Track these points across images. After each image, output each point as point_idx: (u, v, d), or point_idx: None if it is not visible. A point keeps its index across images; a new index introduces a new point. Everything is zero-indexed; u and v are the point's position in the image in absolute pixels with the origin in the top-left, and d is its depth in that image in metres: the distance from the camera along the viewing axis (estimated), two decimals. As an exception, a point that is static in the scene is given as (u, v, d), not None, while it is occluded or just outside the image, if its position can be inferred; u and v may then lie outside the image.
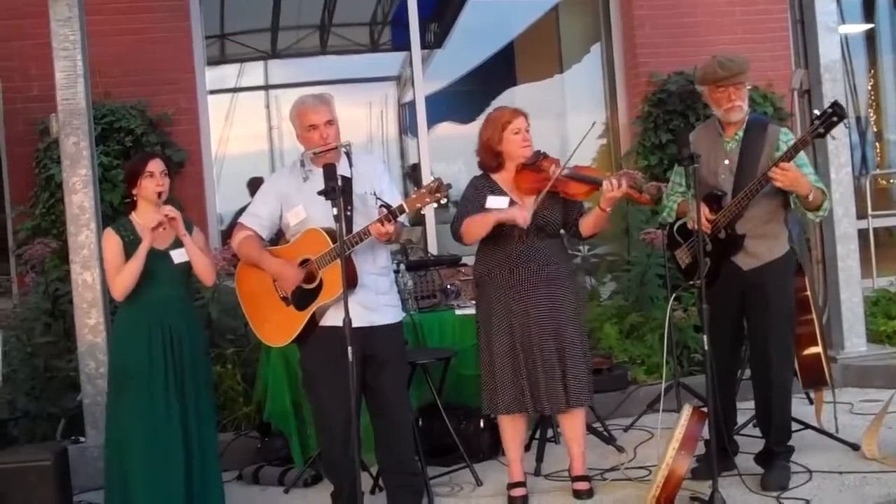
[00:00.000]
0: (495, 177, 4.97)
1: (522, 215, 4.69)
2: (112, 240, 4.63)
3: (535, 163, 4.86)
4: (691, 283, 5.01)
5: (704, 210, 4.79)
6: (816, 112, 4.65)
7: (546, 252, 4.87)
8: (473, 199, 4.91)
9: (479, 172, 5.05)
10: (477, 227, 4.82)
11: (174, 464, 4.51)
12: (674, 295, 5.54)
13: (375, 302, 4.64)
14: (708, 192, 4.85)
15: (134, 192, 4.68)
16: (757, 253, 4.86)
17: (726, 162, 4.88)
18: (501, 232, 4.81)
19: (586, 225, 4.91)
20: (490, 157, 4.96)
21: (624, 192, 4.64)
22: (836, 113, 4.51)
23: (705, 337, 4.54)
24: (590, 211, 4.90)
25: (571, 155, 4.82)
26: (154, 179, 4.63)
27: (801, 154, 4.78)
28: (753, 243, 4.85)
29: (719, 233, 4.82)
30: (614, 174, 4.70)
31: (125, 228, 4.66)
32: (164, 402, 4.53)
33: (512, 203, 4.85)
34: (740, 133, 4.90)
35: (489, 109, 5.12)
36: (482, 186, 4.94)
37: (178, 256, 4.65)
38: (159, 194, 4.65)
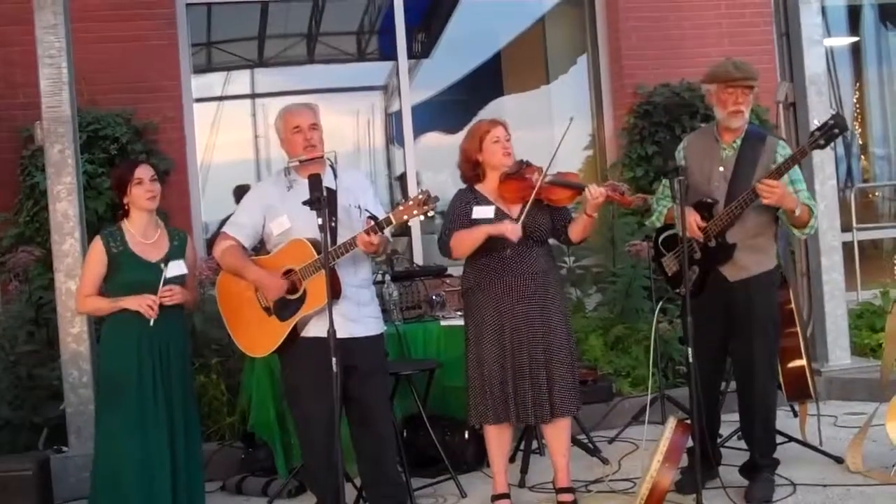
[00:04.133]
0: (479, 187, 4.97)
1: (514, 229, 4.69)
2: (97, 251, 4.58)
3: (519, 171, 4.87)
4: (677, 291, 5.02)
5: (696, 217, 4.79)
6: (816, 122, 4.63)
7: (535, 260, 4.87)
8: (460, 211, 4.92)
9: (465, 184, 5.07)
10: (467, 241, 4.83)
11: (162, 473, 4.49)
12: (659, 305, 5.55)
13: (357, 313, 4.63)
14: (699, 199, 4.85)
15: (125, 200, 4.63)
16: (745, 265, 4.85)
17: (721, 169, 4.87)
18: (490, 242, 4.81)
19: (575, 231, 4.91)
20: (469, 168, 4.97)
21: (606, 196, 4.67)
22: (837, 125, 4.49)
23: (689, 350, 4.54)
24: (577, 217, 4.91)
25: (553, 156, 4.81)
26: (143, 186, 4.59)
27: (797, 169, 4.79)
28: (742, 255, 4.84)
29: (709, 241, 4.82)
30: (599, 184, 4.72)
31: (115, 238, 4.60)
32: (154, 410, 4.51)
33: (498, 212, 4.86)
34: (738, 141, 4.88)
35: (476, 119, 5.13)
36: (467, 199, 4.94)
37: (171, 270, 4.58)
38: (151, 199, 4.61)
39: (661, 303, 5.91)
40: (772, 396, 4.98)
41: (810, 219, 4.77)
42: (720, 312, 4.84)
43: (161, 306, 4.50)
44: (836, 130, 4.51)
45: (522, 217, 4.76)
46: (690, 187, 4.85)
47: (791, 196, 4.66)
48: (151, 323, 4.46)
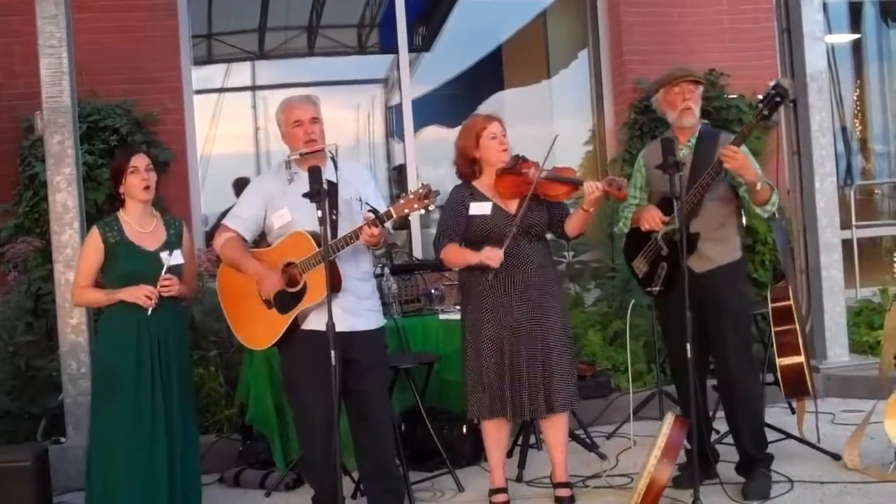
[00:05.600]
0: (475, 183, 4.97)
1: (496, 257, 4.69)
2: (93, 241, 4.56)
3: (515, 167, 4.87)
4: (648, 290, 5.06)
5: (658, 213, 4.84)
6: (760, 96, 4.73)
7: (532, 256, 4.87)
8: (455, 210, 4.92)
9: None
10: (453, 260, 4.92)
11: (158, 466, 4.48)
12: (632, 303, 5.58)
13: (358, 307, 4.63)
14: (661, 197, 4.89)
15: (121, 189, 4.61)
16: (709, 256, 4.90)
17: None
18: (488, 236, 4.81)
19: (572, 226, 4.92)
20: (466, 165, 4.97)
21: (603, 191, 4.69)
22: (778, 94, 4.63)
23: (687, 344, 4.55)
24: (574, 212, 4.92)
25: (546, 157, 4.81)
26: (139, 175, 4.56)
27: (751, 157, 4.85)
28: (706, 245, 4.89)
29: (673, 234, 4.84)
30: (598, 179, 4.74)
31: (111, 228, 4.58)
32: (151, 403, 4.49)
33: (495, 208, 4.86)
34: (693, 140, 4.97)
35: (473, 115, 5.13)
36: (464, 195, 4.94)
37: (168, 259, 4.56)
38: (146, 189, 4.59)
39: (633, 302, 5.94)
40: (753, 386, 5.02)
41: (771, 195, 4.81)
42: (691, 306, 4.82)
43: (159, 297, 4.48)
44: (779, 99, 4.65)
45: (520, 213, 4.77)
46: (653, 192, 5.02)
47: (753, 168, 4.73)
48: (149, 312, 4.45)
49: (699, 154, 4.90)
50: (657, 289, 4.98)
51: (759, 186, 4.72)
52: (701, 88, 5.03)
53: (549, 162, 4.84)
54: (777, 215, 5.01)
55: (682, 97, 4.94)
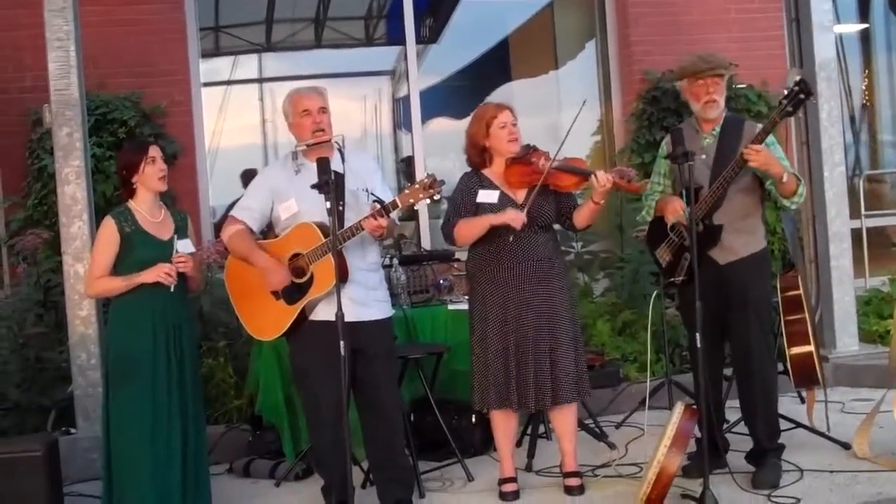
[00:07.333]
0: (485, 172, 4.97)
1: (517, 218, 4.68)
2: (109, 231, 4.56)
3: (525, 156, 4.87)
4: (671, 280, 5.05)
5: (681, 202, 4.83)
6: (784, 91, 4.70)
7: (540, 246, 4.87)
8: (464, 197, 4.92)
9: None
10: (470, 229, 4.85)
11: (175, 454, 4.51)
12: (654, 294, 5.56)
13: (365, 297, 4.64)
14: (685, 186, 4.86)
15: (134, 179, 4.62)
16: (733, 247, 4.88)
17: (703, 157, 4.90)
18: (494, 228, 4.80)
19: (581, 217, 4.92)
20: (476, 153, 4.96)
21: (613, 183, 4.67)
22: (802, 90, 4.59)
23: (697, 334, 4.55)
24: (583, 204, 4.91)
25: (563, 141, 4.80)
26: (157, 164, 4.61)
27: (778, 147, 4.87)
28: (730, 237, 4.87)
29: (697, 225, 4.83)
30: (607, 170, 4.72)
31: (125, 218, 4.59)
32: (167, 387, 4.52)
33: (503, 196, 4.86)
34: (717, 129, 4.95)
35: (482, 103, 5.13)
36: (472, 183, 4.94)
37: (183, 247, 4.58)
38: (162, 179, 4.62)
39: (655, 291, 5.93)
40: (771, 378, 5.00)
41: (797, 187, 4.80)
42: (714, 298, 4.81)
43: (170, 290, 4.48)
44: (802, 96, 4.60)
45: (529, 203, 4.76)
46: (676, 179, 4.95)
47: (777, 162, 4.71)
48: (171, 289, 4.47)
49: (723, 143, 4.88)
50: (681, 278, 4.96)
51: (784, 179, 4.70)
52: (726, 77, 5.00)
53: (559, 154, 4.83)
54: (769, 194, 5.01)
55: (706, 90, 4.91)
